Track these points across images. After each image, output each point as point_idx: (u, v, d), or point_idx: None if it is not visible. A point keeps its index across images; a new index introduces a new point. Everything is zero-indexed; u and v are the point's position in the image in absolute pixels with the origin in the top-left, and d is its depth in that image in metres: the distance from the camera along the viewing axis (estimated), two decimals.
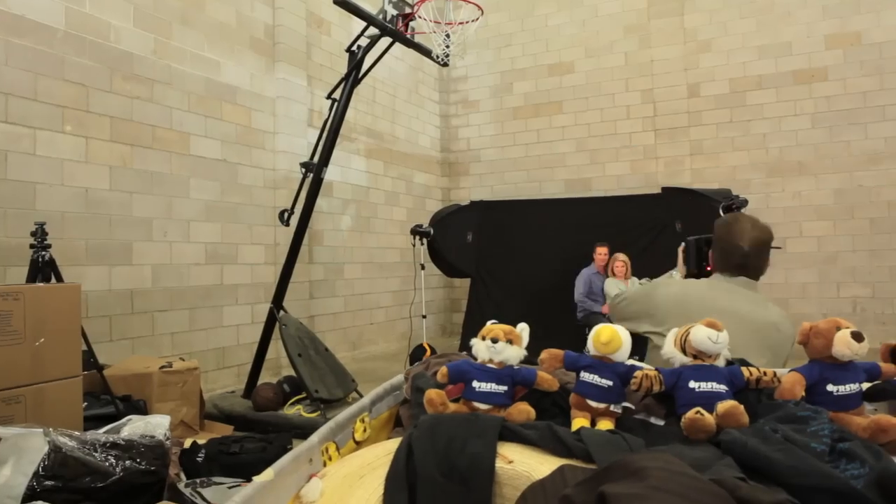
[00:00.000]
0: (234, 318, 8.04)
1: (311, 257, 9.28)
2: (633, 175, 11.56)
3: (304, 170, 6.76)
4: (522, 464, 1.47)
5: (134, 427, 3.71)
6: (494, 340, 1.84)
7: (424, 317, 9.08)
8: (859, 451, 1.47)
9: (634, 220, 9.74)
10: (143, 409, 5.34)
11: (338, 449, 1.69)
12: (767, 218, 9.44)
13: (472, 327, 9.89)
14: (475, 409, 1.78)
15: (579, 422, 1.79)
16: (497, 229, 10.41)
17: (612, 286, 9.06)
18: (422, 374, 2.05)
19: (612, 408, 1.83)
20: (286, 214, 6.88)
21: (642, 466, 1.17)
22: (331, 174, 9.42)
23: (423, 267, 9.14)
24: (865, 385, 1.95)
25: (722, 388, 1.77)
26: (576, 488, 1.25)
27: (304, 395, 6.40)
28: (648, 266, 9.40)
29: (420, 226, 9.13)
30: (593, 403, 1.81)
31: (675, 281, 3.37)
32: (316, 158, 6.68)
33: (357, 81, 6.74)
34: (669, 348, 1.89)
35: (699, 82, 11.19)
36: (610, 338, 1.82)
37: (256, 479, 1.32)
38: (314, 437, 1.61)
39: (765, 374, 1.80)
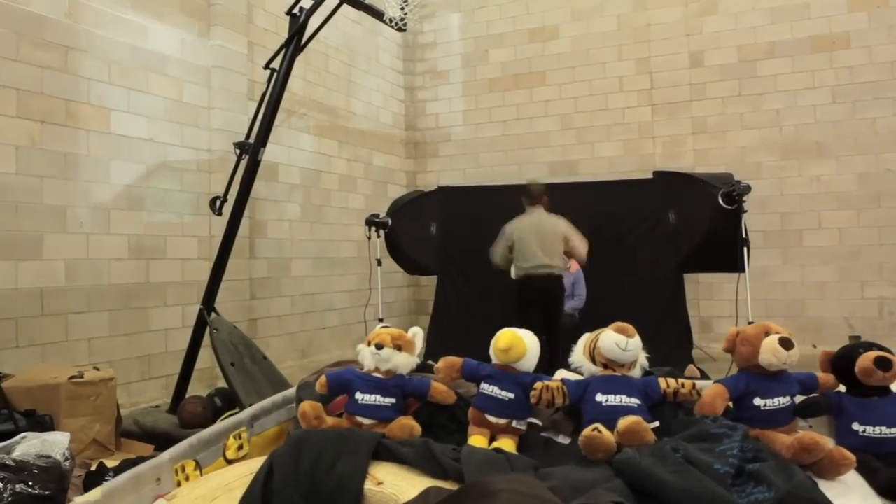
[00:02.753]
0: (162, 322, 8.06)
1: (252, 251, 9.32)
2: (627, 157, 11.66)
3: (238, 150, 6.79)
4: (393, 485, 1.54)
5: (28, 446, 3.74)
6: (379, 346, 1.90)
7: (381, 320, 9.10)
8: (768, 474, 1.55)
9: (624, 210, 9.78)
10: (49, 426, 5.34)
11: (199, 467, 1.74)
12: (781, 206, 9.53)
13: (438, 332, 9.93)
14: (358, 424, 1.84)
15: (476, 440, 1.85)
16: (467, 219, 10.36)
17: None
18: (309, 384, 2.11)
19: (514, 424, 1.88)
20: (218, 202, 6.92)
21: (494, 489, 1.25)
22: (276, 155, 9.45)
23: (379, 263, 9.16)
24: (801, 398, 2.03)
25: (633, 401, 1.82)
26: None
27: (237, 409, 6.42)
28: (641, 263, 9.52)
29: (377, 215, 9.12)
30: (493, 419, 1.86)
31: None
32: (252, 138, 6.71)
33: (300, 49, 6.79)
34: (578, 357, 1.95)
35: (703, 50, 11.28)
36: (510, 344, 1.87)
37: (78, 499, 1.38)
38: (165, 455, 1.68)
39: (683, 385, 1.87)
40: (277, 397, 2.19)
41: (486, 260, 9.51)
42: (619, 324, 1.96)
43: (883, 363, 1.91)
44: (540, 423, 1.99)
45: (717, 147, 11.12)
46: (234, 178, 6.84)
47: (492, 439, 1.90)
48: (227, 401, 6.61)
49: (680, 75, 11.39)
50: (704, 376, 7.12)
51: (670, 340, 9.79)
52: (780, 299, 10.63)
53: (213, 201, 6.97)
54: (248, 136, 6.81)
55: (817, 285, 10.62)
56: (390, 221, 9.13)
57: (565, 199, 9.57)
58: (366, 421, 1.89)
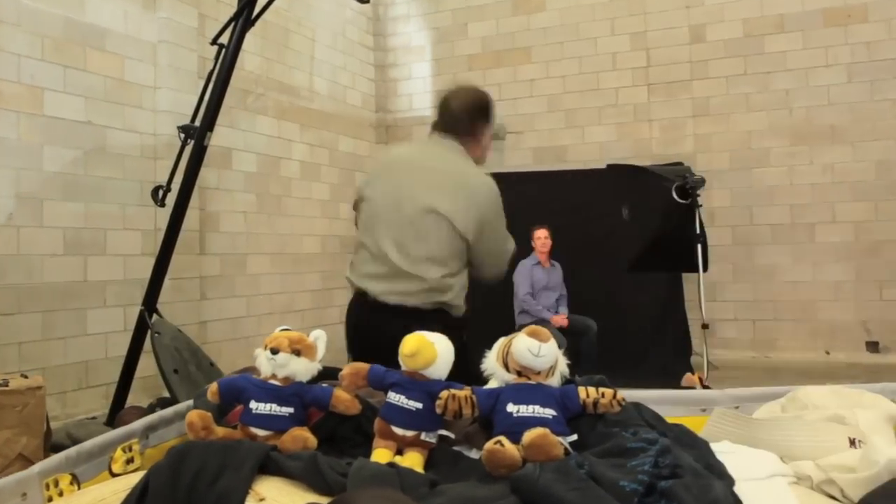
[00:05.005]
0: (102, 325, 8.07)
1: (202, 247, 9.36)
2: (621, 142, 11.72)
3: (183, 135, 6.83)
4: (274, 501, 1.60)
5: None
6: (275, 351, 1.95)
7: None
8: (680, 491, 1.61)
9: (579, 201, 9.89)
10: None
11: (76, 481, 1.80)
12: (791, 198, 9.61)
13: None
14: (252, 436, 1.90)
15: (380, 453, 1.90)
16: None
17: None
18: (205, 392, 2.16)
19: (423, 436, 1.93)
20: (161, 192, 6.96)
21: None
22: (229, 140, 9.49)
23: None
24: None
25: (548, 412, 1.88)
26: None
27: None
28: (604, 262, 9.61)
29: None
30: (399, 430, 1.92)
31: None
32: (199, 121, 6.75)
33: (251, 22, 6.81)
34: (491, 363, 2.00)
35: (705, 23, 11.36)
36: (416, 349, 1.92)
37: None
38: (34, 468, 1.73)
39: (603, 395, 1.93)
40: (181, 406, 2.25)
41: None
42: (533, 327, 2.01)
43: None
44: (452, 436, 2.04)
45: (720, 131, 11.16)
46: (179, 166, 6.87)
47: (399, 453, 1.95)
48: None
49: (679, 52, 11.44)
50: (705, 387, 7.23)
51: (668, 347, 9.91)
52: (789, 300, 10.71)
53: (155, 191, 7.02)
54: (194, 119, 6.84)
55: (831, 285, 10.68)
56: None
57: (554, 189, 9.64)
58: (260, 432, 1.94)
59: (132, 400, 7.12)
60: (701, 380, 7.71)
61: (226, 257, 9.82)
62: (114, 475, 1.91)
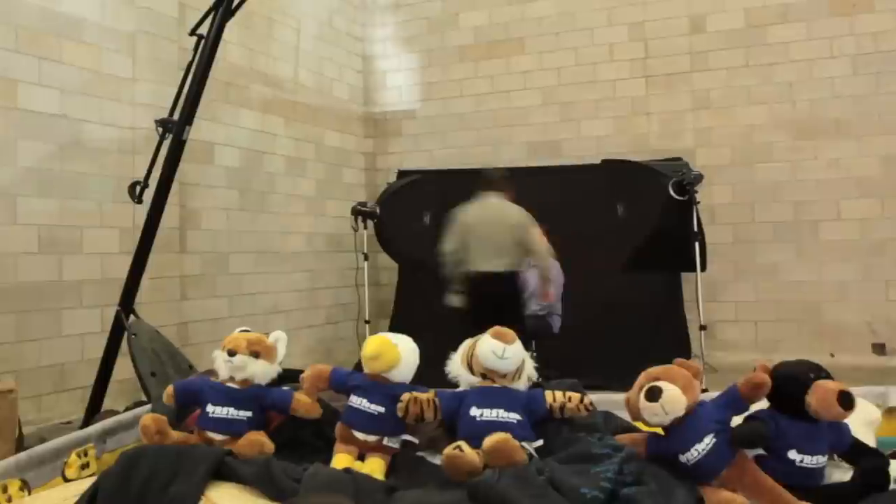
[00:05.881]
0: (78, 326, 8.06)
1: (183, 245, 9.34)
2: (618, 136, 11.70)
3: (160, 129, 6.83)
4: None
5: None
6: (232, 353, 1.95)
7: (368, 322, 9.12)
8: (643, 499, 1.62)
9: (574, 198, 9.93)
10: None
11: (26, 487, 1.81)
12: (795, 194, 9.66)
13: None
14: (209, 440, 1.91)
15: (341, 459, 1.91)
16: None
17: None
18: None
19: (385, 441, 1.95)
20: (138, 188, 6.95)
21: None
22: (211, 134, 9.48)
23: (366, 257, 9.39)
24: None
25: (513, 416, 1.89)
26: None
27: None
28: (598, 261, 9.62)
29: (364, 204, 9.15)
30: (361, 435, 1.93)
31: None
32: (177, 114, 6.75)
33: (231, 11, 6.80)
34: (456, 365, 2.01)
35: (705, 13, 11.35)
36: (377, 351, 1.93)
37: None
38: None
39: (570, 399, 1.93)
40: (139, 410, 2.27)
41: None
42: (497, 328, 2.01)
43: (846, 401, 1.95)
44: (416, 441, 2.06)
45: (721, 125, 11.16)
46: (157, 161, 6.87)
47: (361, 458, 1.96)
48: None
49: (678, 42, 11.43)
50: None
51: (666, 349, 9.90)
52: (792, 301, 10.70)
53: (132, 187, 7.01)
54: (172, 113, 6.84)
55: (835, 285, 10.67)
56: (378, 210, 9.14)
57: (548, 185, 9.67)
58: (217, 436, 1.95)
59: (109, 404, 7.11)
60: None
61: (207, 256, 9.79)
62: (67, 480, 1.92)
